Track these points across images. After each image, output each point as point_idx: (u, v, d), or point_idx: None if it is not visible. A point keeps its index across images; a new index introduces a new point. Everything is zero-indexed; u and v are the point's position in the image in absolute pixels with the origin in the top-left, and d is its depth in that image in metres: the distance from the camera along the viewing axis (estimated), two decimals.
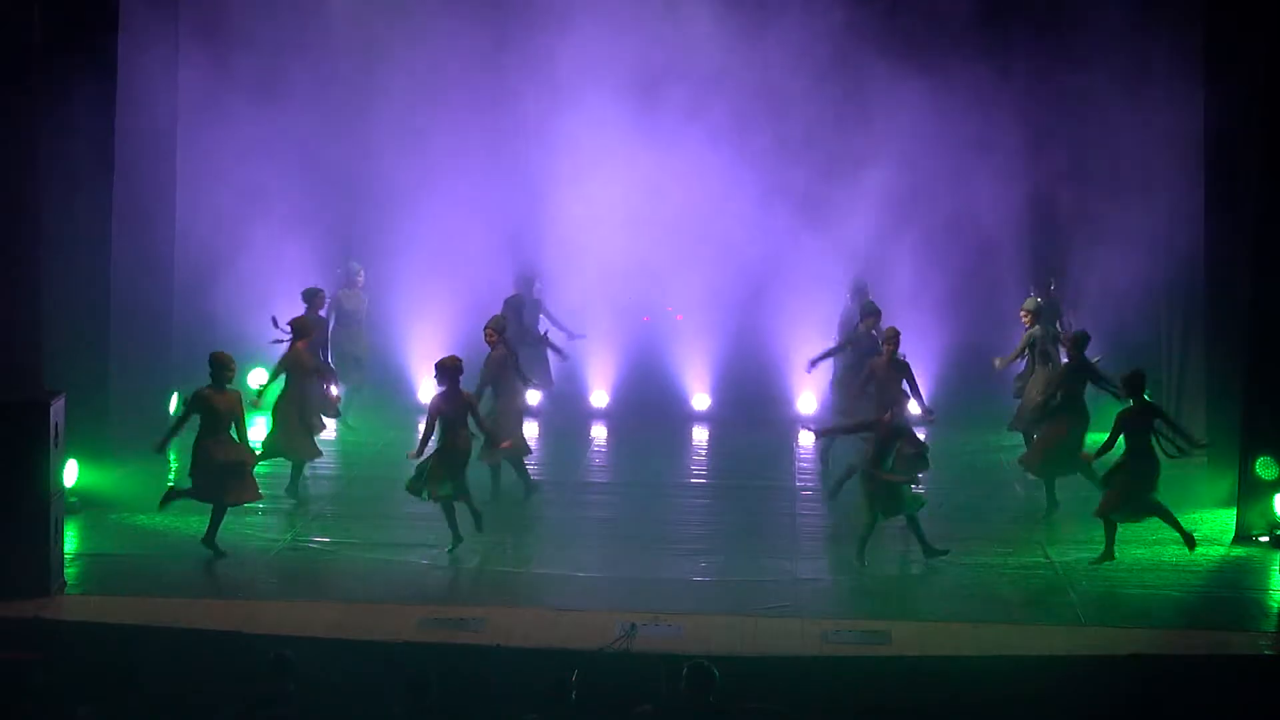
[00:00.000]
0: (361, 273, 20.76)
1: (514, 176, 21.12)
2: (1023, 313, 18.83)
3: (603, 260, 20.93)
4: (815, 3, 20.04)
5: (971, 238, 20.87)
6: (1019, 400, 18.99)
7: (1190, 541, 15.51)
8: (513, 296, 20.01)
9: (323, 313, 19.45)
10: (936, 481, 18.39)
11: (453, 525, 15.72)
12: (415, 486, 15.80)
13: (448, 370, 15.88)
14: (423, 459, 15.81)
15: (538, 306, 20.69)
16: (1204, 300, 18.20)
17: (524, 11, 20.81)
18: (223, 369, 15.47)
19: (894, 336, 17.34)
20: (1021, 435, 18.60)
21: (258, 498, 15.87)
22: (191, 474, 15.61)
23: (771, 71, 20.52)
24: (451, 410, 15.79)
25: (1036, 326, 18.63)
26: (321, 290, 19.38)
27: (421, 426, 16.15)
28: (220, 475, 15.43)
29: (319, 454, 17.72)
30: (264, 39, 20.35)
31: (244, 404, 15.76)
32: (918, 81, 20.15)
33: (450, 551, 15.67)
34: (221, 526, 15.57)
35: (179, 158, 19.06)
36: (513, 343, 18.02)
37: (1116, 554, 15.66)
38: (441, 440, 15.81)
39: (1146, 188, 20.12)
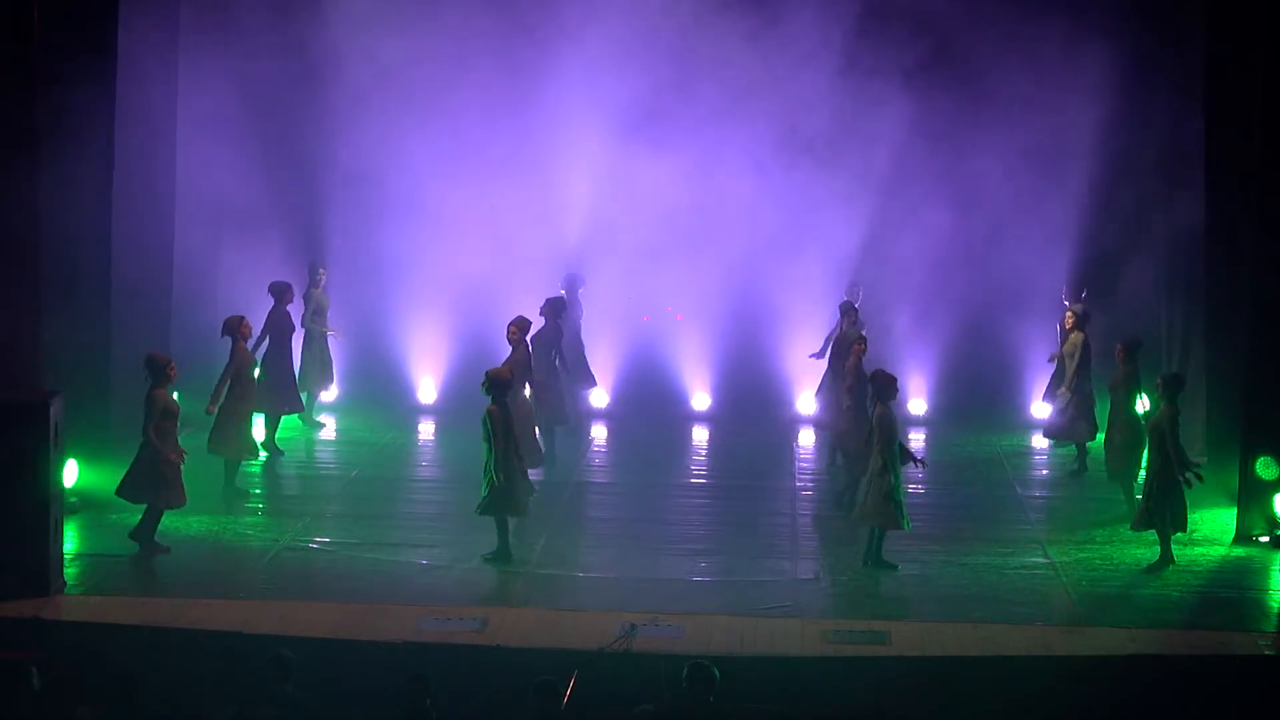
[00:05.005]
0: (323, 273, 20.31)
1: (517, 179, 21.06)
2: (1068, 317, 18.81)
3: (604, 260, 20.94)
4: (826, 15, 20.06)
5: (970, 241, 20.86)
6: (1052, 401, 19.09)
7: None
8: (556, 297, 19.51)
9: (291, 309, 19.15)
10: (937, 482, 18.39)
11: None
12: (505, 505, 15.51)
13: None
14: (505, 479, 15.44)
15: (579, 309, 20.54)
16: (1204, 300, 18.20)
17: (539, 16, 20.72)
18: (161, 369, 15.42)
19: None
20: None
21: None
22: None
23: (774, 79, 20.51)
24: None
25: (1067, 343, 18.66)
26: (288, 284, 19.15)
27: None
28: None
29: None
30: (269, 43, 20.32)
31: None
32: (918, 91, 20.28)
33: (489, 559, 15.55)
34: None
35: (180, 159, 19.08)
36: (550, 339, 18.39)
37: (1116, 554, 15.75)
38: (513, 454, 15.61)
39: (1144, 190, 20.11)
